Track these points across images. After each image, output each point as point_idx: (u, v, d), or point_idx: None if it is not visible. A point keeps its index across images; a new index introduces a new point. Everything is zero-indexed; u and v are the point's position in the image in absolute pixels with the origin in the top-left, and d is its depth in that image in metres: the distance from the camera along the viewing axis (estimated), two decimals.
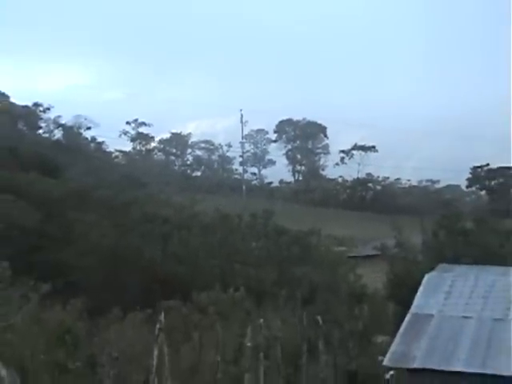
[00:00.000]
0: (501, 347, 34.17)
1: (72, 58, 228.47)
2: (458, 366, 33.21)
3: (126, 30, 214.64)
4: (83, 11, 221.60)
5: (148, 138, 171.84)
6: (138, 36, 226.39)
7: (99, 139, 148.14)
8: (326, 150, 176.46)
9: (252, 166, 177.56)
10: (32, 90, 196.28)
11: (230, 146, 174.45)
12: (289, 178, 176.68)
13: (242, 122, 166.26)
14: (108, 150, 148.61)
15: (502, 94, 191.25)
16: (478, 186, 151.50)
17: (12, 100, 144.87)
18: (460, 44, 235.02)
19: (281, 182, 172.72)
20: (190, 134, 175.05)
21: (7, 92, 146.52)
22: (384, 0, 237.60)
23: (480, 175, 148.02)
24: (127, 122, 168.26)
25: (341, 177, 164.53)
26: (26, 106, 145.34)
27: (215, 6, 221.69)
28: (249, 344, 37.01)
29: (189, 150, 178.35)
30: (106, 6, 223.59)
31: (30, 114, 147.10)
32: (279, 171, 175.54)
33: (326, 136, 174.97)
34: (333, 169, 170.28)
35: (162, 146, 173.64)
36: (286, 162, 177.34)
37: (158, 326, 31.51)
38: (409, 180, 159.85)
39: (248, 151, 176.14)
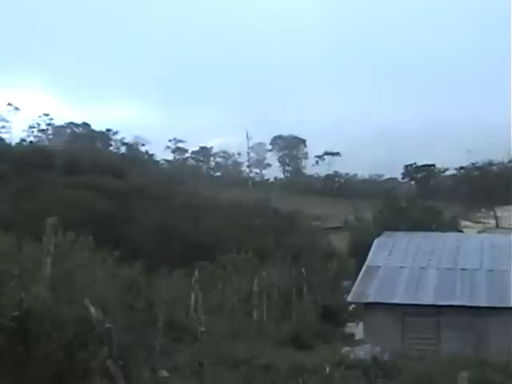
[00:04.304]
0: (424, 286, 34.50)
1: (128, 95, 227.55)
2: (397, 299, 33.53)
3: (159, 73, 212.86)
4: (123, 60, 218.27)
5: (183, 151, 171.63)
6: (169, 76, 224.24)
7: (150, 152, 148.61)
8: (305, 156, 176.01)
9: (255, 167, 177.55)
10: (105, 120, 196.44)
11: (239, 154, 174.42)
12: (281, 175, 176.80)
13: (247, 137, 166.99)
14: (156, 159, 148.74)
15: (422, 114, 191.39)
16: (409, 178, 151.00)
17: (92, 127, 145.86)
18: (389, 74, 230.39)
19: (275, 178, 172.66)
20: (212, 147, 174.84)
21: (88, 122, 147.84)
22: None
23: (410, 170, 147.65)
24: (169, 140, 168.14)
25: (316, 174, 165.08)
26: (101, 131, 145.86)
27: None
28: (256, 289, 37.17)
29: (212, 158, 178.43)
30: (143, 55, 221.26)
31: (104, 137, 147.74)
32: (274, 171, 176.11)
33: (305, 146, 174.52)
34: (311, 168, 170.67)
35: (193, 155, 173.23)
36: (278, 164, 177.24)
37: (193, 278, 31.70)
38: (362, 175, 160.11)
39: (252, 157, 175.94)
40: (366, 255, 38.57)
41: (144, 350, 16.04)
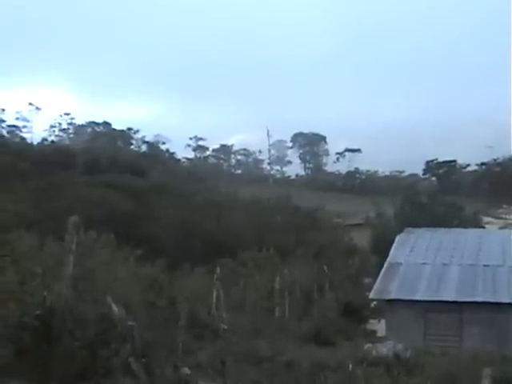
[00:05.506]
0: (446, 282, 34.32)
1: (149, 94, 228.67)
2: (419, 296, 33.41)
3: (179, 72, 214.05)
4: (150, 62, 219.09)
5: (204, 148, 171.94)
6: (190, 75, 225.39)
7: (171, 150, 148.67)
8: (326, 153, 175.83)
9: (276, 165, 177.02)
10: (126, 119, 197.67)
11: (260, 151, 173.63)
12: (301, 172, 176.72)
13: (268, 135, 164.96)
14: (177, 157, 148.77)
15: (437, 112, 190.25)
16: (430, 174, 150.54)
17: (113, 126, 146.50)
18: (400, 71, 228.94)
19: (296, 175, 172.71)
20: (233, 144, 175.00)
21: (110, 121, 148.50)
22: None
23: (431, 166, 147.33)
24: (190, 138, 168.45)
25: (337, 170, 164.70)
26: (122, 130, 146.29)
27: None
28: (277, 286, 37.16)
29: (232, 156, 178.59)
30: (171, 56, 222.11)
31: (125, 135, 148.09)
32: (295, 168, 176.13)
33: (325, 143, 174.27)
34: (331, 165, 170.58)
35: (214, 153, 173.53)
36: (299, 161, 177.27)
37: (215, 275, 31.78)
38: (383, 171, 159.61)
39: (273, 155, 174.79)
40: (388, 252, 38.47)
41: (166, 347, 16.07)
